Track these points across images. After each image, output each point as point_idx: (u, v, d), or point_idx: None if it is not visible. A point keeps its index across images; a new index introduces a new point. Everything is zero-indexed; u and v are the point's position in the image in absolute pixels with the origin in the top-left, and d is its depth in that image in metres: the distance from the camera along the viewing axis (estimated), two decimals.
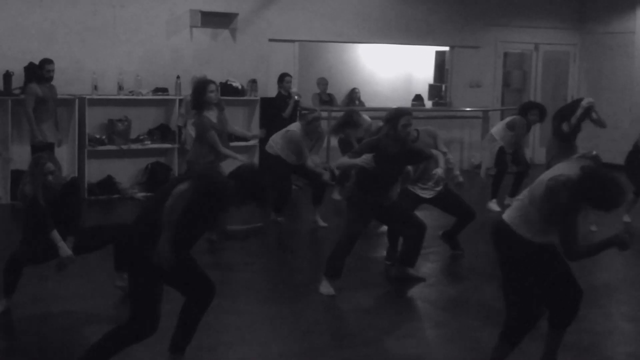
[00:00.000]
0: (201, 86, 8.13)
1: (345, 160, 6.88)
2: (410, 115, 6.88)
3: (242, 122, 11.91)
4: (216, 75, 11.41)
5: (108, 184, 11.13)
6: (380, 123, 7.69)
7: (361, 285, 7.11)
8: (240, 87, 12.10)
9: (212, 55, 12.10)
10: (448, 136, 13.41)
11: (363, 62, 15.79)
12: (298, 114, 11.75)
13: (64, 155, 10.51)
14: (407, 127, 6.75)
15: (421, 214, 7.85)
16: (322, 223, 9.44)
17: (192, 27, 11.99)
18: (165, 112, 11.75)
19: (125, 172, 11.41)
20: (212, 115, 8.10)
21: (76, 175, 9.84)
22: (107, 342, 4.54)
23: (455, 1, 14.42)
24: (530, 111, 10.72)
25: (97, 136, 11.12)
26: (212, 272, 5.09)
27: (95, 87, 11.09)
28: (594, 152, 4.72)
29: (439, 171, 7.61)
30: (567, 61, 16.13)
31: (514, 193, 10.52)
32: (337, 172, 12.16)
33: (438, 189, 7.89)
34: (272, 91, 12.28)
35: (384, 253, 7.86)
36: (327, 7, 13.19)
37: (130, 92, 11.32)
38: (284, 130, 9.46)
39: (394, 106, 8.50)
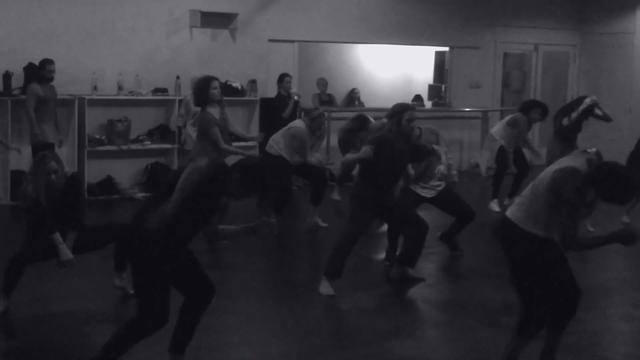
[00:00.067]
0: (205, 82, 8.14)
1: (350, 156, 6.91)
2: (414, 110, 6.89)
3: (242, 122, 11.91)
4: (216, 75, 11.36)
5: (108, 185, 11.13)
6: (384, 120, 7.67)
7: (361, 285, 7.11)
8: (239, 87, 12.10)
9: (212, 56, 12.09)
10: (447, 136, 13.35)
11: (363, 63, 15.80)
12: (298, 114, 11.75)
13: (64, 156, 10.47)
14: (410, 122, 6.76)
15: (421, 214, 7.85)
16: (322, 223, 9.43)
17: (191, 27, 11.98)
18: (165, 112, 11.76)
19: (125, 173, 11.41)
20: (214, 112, 8.10)
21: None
22: (120, 339, 4.56)
23: (455, 1, 14.42)
24: (533, 109, 10.70)
25: (97, 136, 11.12)
26: (212, 272, 5.09)
27: (95, 88, 11.08)
28: (594, 149, 4.76)
29: (442, 168, 7.62)
30: (566, 62, 16.13)
31: (513, 194, 10.52)
32: (337, 172, 12.22)
33: (439, 188, 7.89)
34: (271, 91, 12.28)
35: (384, 253, 7.86)
36: (327, 7, 13.19)
37: (130, 92, 11.32)
38: (285, 128, 9.41)
39: None
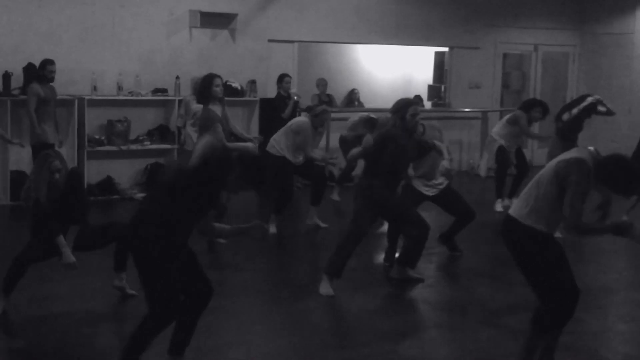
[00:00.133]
0: (208, 80, 8.20)
1: (355, 151, 6.90)
2: (418, 105, 6.89)
3: (242, 122, 11.89)
4: None
5: (107, 185, 11.13)
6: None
7: (361, 286, 7.11)
8: (239, 87, 12.10)
9: (212, 56, 12.09)
10: (447, 137, 13.31)
11: (362, 63, 15.80)
12: (297, 115, 11.73)
13: (64, 156, 10.47)
14: (414, 117, 6.76)
15: (421, 214, 7.84)
16: (321, 224, 9.42)
17: (191, 27, 11.99)
18: (165, 112, 11.76)
19: (125, 173, 11.42)
20: (216, 109, 8.14)
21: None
22: (138, 338, 4.57)
23: (454, 2, 14.42)
24: (534, 108, 10.69)
25: (97, 137, 11.12)
26: (212, 272, 5.09)
27: (95, 88, 11.09)
28: (593, 148, 4.80)
29: (445, 163, 7.63)
30: (566, 62, 16.13)
31: (512, 194, 10.52)
32: (336, 172, 12.22)
33: (441, 186, 7.89)
34: (271, 92, 12.28)
35: (384, 254, 7.86)
36: (327, 7, 13.19)
37: (129, 92, 11.32)
38: (287, 125, 9.33)
39: None
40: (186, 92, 11.10)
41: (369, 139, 6.61)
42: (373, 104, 14.51)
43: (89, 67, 11.12)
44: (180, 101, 11.37)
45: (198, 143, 4.51)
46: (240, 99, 12.09)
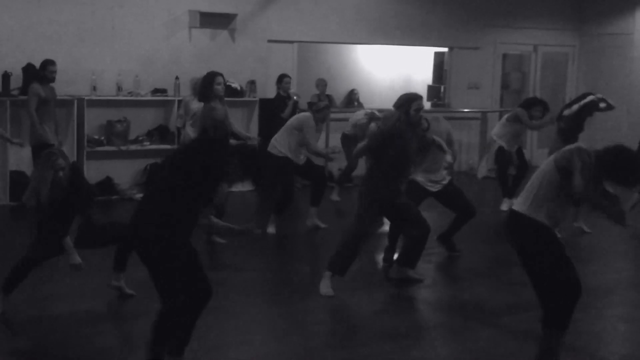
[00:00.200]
0: (210, 77, 8.22)
1: (361, 145, 6.90)
2: (421, 99, 6.90)
3: (241, 123, 11.89)
4: None
5: (107, 185, 11.12)
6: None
7: (361, 286, 7.11)
8: (239, 88, 12.10)
9: (211, 56, 12.08)
10: None
11: (362, 63, 15.80)
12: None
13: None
14: (418, 112, 6.77)
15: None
16: (321, 224, 9.41)
17: (191, 27, 11.99)
18: (164, 113, 11.75)
19: (124, 173, 11.40)
20: (217, 107, 8.16)
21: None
22: (181, 328, 4.63)
23: (454, 2, 14.43)
24: (534, 107, 10.67)
25: (96, 137, 11.12)
26: (211, 273, 5.09)
27: (94, 88, 11.08)
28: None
29: (448, 158, 7.64)
30: (565, 63, 16.14)
31: (512, 194, 10.53)
32: (336, 173, 12.23)
33: (444, 182, 7.89)
34: (271, 92, 12.29)
35: (383, 254, 7.86)
36: (326, 8, 13.19)
37: (129, 93, 11.32)
38: (287, 124, 9.26)
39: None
40: (186, 92, 11.10)
41: (373, 127, 6.60)
42: (372, 104, 14.48)
43: (89, 67, 11.11)
44: (179, 101, 11.35)
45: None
46: (240, 99, 12.09)
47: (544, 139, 15.03)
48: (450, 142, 7.88)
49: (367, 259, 8.00)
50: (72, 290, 6.68)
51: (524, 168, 10.90)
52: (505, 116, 10.94)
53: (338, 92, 14.74)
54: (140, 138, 11.45)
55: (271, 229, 9.03)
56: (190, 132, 9.39)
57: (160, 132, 11.62)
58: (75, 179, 6.06)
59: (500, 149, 10.66)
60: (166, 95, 11.60)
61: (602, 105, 10.43)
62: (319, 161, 10.16)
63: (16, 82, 10.45)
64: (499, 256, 8.35)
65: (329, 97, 14.11)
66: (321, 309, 6.51)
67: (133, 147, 11.35)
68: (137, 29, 11.61)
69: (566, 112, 10.18)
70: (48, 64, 9.87)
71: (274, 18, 12.70)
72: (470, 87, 14.90)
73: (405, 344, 5.76)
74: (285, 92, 11.89)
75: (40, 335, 5.74)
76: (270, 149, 9.09)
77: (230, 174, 4.67)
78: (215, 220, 4.97)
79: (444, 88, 15.25)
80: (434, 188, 7.89)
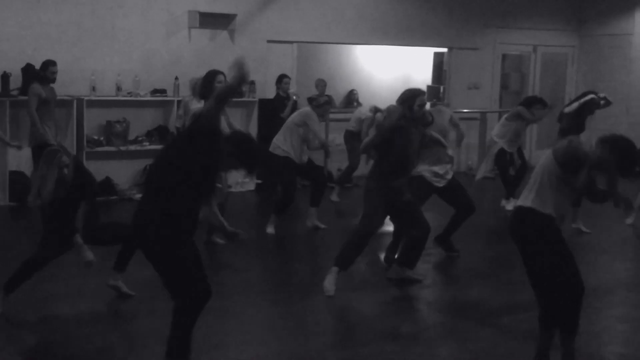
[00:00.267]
0: (210, 76, 8.20)
1: (366, 140, 6.89)
2: (425, 95, 6.90)
3: (241, 123, 11.88)
4: None
5: (106, 186, 11.11)
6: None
7: (360, 286, 7.11)
8: None
9: (211, 57, 12.06)
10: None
11: (361, 64, 15.81)
12: None
13: None
14: (422, 107, 6.78)
15: None
16: (321, 225, 9.40)
17: (190, 28, 11.98)
18: (164, 113, 11.75)
19: (124, 174, 11.40)
20: None
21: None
22: (179, 328, 4.60)
23: (453, 2, 14.43)
24: (534, 105, 10.67)
25: (95, 137, 11.11)
26: (211, 273, 5.08)
27: (94, 88, 11.07)
28: None
29: (450, 152, 7.68)
30: (565, 63, 16.14)
31: (511, 194, 10.53)
32: (335, 173, 12.23)
33: (448, 177, 7.90)
34: (270, 92, 12.28)
35: (383, 254, 7.86)
36: (326, 8, 13.19)
37: (128, 93, 11.32)
38: (287, 122, 9.25)
39: None
40: (185, 92, 11.07)
41: (380, 117, 6.61)
42: (372, 104, 14.48)
43: (88, 68, 11.10)
44: (179, 102, 11.33)
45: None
46: (239, 99, 12.08)
47: (543, 139, 15.06)
48: (455, 125, 8.26)
49: (367, 259, 8.00)
50: (72, 290, 6.68)
51: (524, 168, 10.89)
52: (505, 116, 10.95)
53: (338, 92, 14.74)
54: (140, 138, 11.45)
55: (271, 229, 9.03)
56: None
57: (160, 133, 11.61)
58: (78, 168, 6.07)
59: (501, 150, 10.65)
60: (165, 96, 11.59)
61: (602, 101, 10.42)
62: (319, 161, 10.16)
63: (15, 82, 10.44)
64: (499, 256, 8.36)
65: (329, 98, 14.12)
66: (321, 309, 6.51)
67: (132, 147, 11.34)
68: (137, 29, 11.60)
69: (566, 110, 10.18)
70: (49, 64, 9.87)
71: (273, 18, 12.70)
72: (470, 88, 14.90)
73: (405, 344, 5.76)
74: (284, 92, 11.89)
75: (41, 335, 5.74)
76: (272, 149, 9.06)
77: (226, 161, 4.66)
78: (216, 211, 4.97)
79: (444, 88, 15.25)
80: (440, 184, 7.88)
